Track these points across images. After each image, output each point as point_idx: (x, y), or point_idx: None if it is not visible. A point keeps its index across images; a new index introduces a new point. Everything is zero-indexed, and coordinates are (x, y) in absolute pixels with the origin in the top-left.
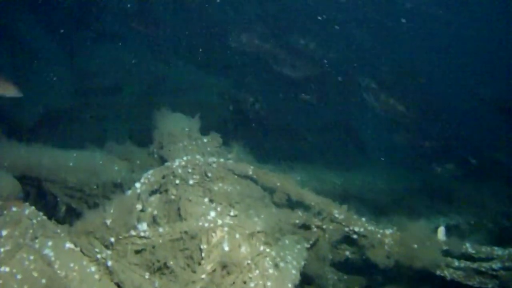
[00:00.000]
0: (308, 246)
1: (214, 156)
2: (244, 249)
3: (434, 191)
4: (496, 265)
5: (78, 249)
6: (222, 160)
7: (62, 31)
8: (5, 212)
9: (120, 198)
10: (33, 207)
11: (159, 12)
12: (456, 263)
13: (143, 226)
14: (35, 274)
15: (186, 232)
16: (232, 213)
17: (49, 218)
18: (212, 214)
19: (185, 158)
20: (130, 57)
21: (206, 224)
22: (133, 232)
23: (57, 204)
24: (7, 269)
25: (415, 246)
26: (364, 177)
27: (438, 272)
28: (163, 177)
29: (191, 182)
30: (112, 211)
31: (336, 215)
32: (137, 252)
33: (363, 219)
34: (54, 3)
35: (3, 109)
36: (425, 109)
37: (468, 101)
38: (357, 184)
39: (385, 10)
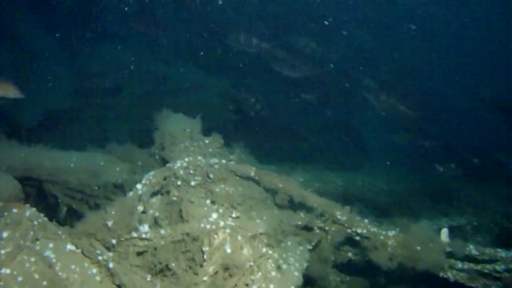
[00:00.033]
0: (311, 247)
1: (215, 157)
2: (246, 251)
3: (436, 192)
4: (499, 267)
5: (79, 251)
6: (224, 161)
7: (61, 31)
8: (5, 213)
9: (121, 200)
10: (34, 209)
11: (159, 12)
12: (459, 265)
13: (145, 227)
14: (36, 276)
15: (188, 234)
16: (234, 215)
17: (50, 219)
18: (214, 215)
19: (186, 159)
20: (131, 57)
21: (208, 226)
22: (134, 234)
23: (58, 205)
24: (8, 271)
25: (418, 247)
26: (365, 177)
27: (441, 274)
28: (165, 179)
29: (192, 183)
30: (113, 212)
31: (339, 217)
32: (139, 254)
33: (366, 220)
34: (54, 3)
35: (3, 109)
36: (426, 109)
37: (468, 101)
38: (359, 184)
39: (385, 10)
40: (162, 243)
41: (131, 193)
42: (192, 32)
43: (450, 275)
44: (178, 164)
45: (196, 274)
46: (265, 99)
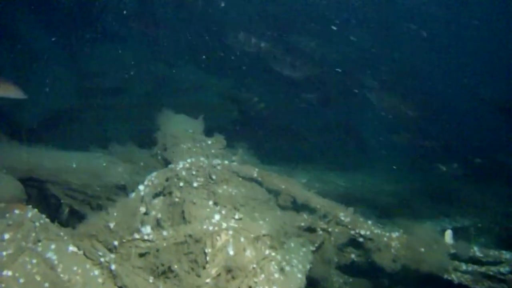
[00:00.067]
0: (314, 249)
1: (218, 158)
2: (249, 253)
3: (438, 192)
4: (504, 269)
5: (81, 252)
6: (226, 162)
7: (61, 31)
8: (7, 215)
9: (124, 201)
10: (35, 210)
11: (160, 12)
12: (463, 266)
13: (147, 229)
14: (37, 278)
15: (190, 236)
16: (236, 216)
17: (52, 220)
18: (217, 217)
19: (189, 160)
20: (131, 57)
21: (211, 228)
22: (136, 235)
23: (60, 206)
24: (10, 273)
25: (422, 249)
26: (367, 177)
27: (445, 276)
28: (167, 180)
29: (195, 184)
30: (115, 214)
31: (342, 218)
32: (141, 255)
33: (369, 222)
34: (55, 3)
35: (4, 110)
36: (426, 109)
37: (468, 101)
38: (360, 185)
39: (385, 10)
40: (165, 244)
41: (133, 194)
42: (193, 32)
43: (454, 277)
44: (181, 165)
45: (199, 276)
46: (267, 99)
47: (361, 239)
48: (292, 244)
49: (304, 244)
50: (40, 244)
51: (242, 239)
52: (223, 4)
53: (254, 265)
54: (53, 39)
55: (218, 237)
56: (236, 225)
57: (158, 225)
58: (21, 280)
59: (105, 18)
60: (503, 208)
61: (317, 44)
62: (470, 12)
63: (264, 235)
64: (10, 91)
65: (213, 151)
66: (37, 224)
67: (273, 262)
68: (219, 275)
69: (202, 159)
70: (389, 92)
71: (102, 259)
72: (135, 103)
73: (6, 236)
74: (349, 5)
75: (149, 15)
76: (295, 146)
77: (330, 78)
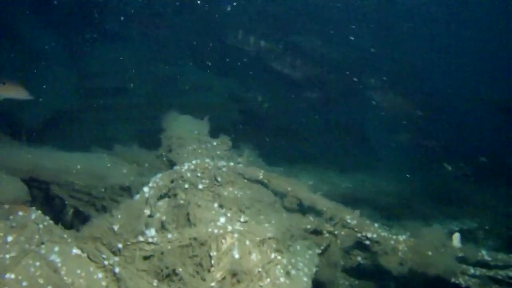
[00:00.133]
0: (320, 251)
1: (223, 160)
2: (254, 257)
3: (445, 194)
4: None
5: (85, 255)
6: (232, 164)
7: (63, 32)
8: (11, 217)
9: (128, 203)
10: (39, 212)
11: (162, 13)
12: (471, 270)
13: (151, 231)
14: (41, 281)
15: (195, 239)
16: (242, 219)
17: (56, 221)
18: (222, 220)
19: (194, 162)
20: (135, 58)
21: (216, 230)
22: (141, 238)
23: (64, 207)
24: (13, 276)
25: (430, 252)
26: (374, 179)
27: (453, 280)
28: (172, 181)
29: (200, 186)
30: (119, 216)
31: (348, 221)
32: (145, 258)
33: (376, 225)
34: (57, 4)
35: (5, 110)
36: (429, 109)
37: (469, 101)
38: (367, 186)
39: (386, 10)
40: (169, 247)
41: (138, 196)
42: (195, 32)
43: (462, 281)
44: (186, 167)
45: (204, 279)
46: (271, 98)
47: (367, 242)
48: (298, 247)
49: (310, 246)
50: (43, 246)
51: (247, 242)
52: (229, 8)
53: (260, 269)
54: (53, 39)
55: (223, 240)
56: (241, 228)
57: (162, 227)
58: (24, 283)
59: (106, 18)
60: (509, 210)
61: (317, 43)
62: (470, 12)
63: (269, 238)
64: (16, 92)
65: (218, 152)
66: (41, 226)
67: (278, 266)
68: (224, 278)
69: (207, 160)
70: (392, 91)
71: (106, 262)
72: (138, 103)
73: (9, 238)
74: (349, 5)
75: (151, 15)
76: (299, 147)
77: (330, 78)
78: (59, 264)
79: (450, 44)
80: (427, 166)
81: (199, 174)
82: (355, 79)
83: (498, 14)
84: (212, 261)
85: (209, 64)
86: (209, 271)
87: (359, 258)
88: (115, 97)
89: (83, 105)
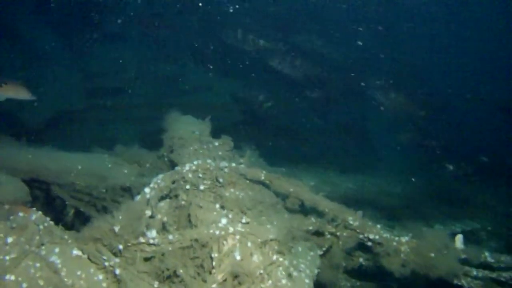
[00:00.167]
0: (321, 253)
1: (225, 160)
2: (256, 258)
3: (447, 194)
4: None
5: (85, 256)
6: (233, 164)
7: (63, 32)
8: (11, 217)
9: (129, 204)
10: (40, 212)
11: (164, 14)
12: (474, 272)
13: (152, 233)
14: (41, 282)
15: (196, 240)
16: (244, 220)
17: (57, 222)
18: (223, 221)
19: (195, 163)
20: (136, 58)
21: (217, 232)
22: (142, 239)
23: (65, 207)
24: (13, 277)
25: (432, 254)
26: (376, 180)
27: (455, 282)
28: (173, 182)
29: (201, 187)
30: (120, 217)
31: (351, 222)
32: (146, 259)
33: (378, 226)
34: (58, 4)
35: (9, 111)
36: (432, 108)
37: (469, 100)
38: (369, 187)
39: (386, 10)
40: (170, 249)
41: (139, 197)
42: (198, 33)
43: (465, 282)
44: (187, 168)
45: (205, 281)
46: (272, 98)
47: (369, 243)
48: (300, 248)
49: (311, 248)
50: (43, 247)
51: (249, 244)
52: (231, 10)
53: (261, 271)
54: (54, 39)
55: (224, 242)
56: (243, 230)
57: (163, 228)
58: (24, 285)
59: (106, 19)
60: (509, 210)
61: (317, 43)
62: (470, 11)
63: (271, 240)
64: (18, 92)
65: (220, 153)
66: (41, 227)
67: (280, 268)
68: (225, 280)
69: (209, 161)
70: (393, 91)
71: (106, 263)
72: (142, 104)
73: (10, 239)
74: (349, 5)
75: (151, 16)
76: (300, 147)
77: (331, 78)
78: (60, 265)
79: (450, 44)
80: (428, 166)
81: (200, 175)
82: (355, 79)
83: (498, 14)
84: (213, 263)
85: (210, 64)
86: (210, 272)
87: (361, 260)
88: (116, 97)
89: (84, 105)
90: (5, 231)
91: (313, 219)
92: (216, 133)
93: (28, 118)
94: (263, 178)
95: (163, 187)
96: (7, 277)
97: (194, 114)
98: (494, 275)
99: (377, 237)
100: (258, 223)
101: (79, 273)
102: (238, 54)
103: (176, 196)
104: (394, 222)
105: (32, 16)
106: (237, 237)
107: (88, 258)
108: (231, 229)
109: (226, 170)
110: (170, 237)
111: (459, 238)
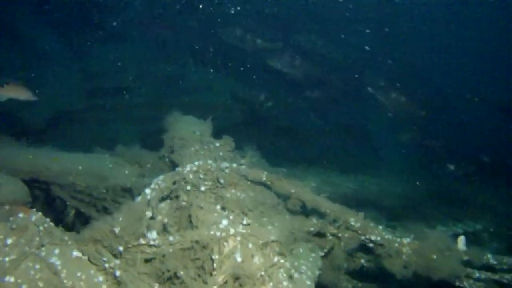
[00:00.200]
0: (323, 254)
1: (226, 161)
2: (257, 260)
3: (448, 195)
4: None
5: (85, 257)
6: (235, 165)
7: (63, 32)
8: (11, 218)
9: (129, 205)
10: (40, 213)
11: (165, 14)
12: (476, 274)
13: (153, 234)
14: (40, 284)
15: (197, 241)
16: (245, 222)
17: (58, 222)
18: (224, 222)
19: (196, 163)
20: (136, 58)
21: (218, 233)
22: (142, 241)
23: (66, 208)
24: (12, 279)
25: (434, 256)
26: (377, 180)
27: (457, 283)
28: (174, 183)
29: (202, 188)
30: (120, 218)
31: (352, 223)
32: (147, 261)
33: (380, 227)
34: (58, 4)
35: (9, 111)
36: (432, 108)
37: (469, 100)
38: (370, 188)
39: (385, 10)
40: (171, 250)
41: (139, 198)
42: (198, 33)
43: (467, 284)
44: (188, 168)
45: (205, 283)
46: (273, 98)
47: (371, 245)
48: (301, 250)
49: (313, 249)
50: (43, 249)
51: (250, 246)
52: (232, 11)
53: (262, 273)
54: (54, 39)
55: (225, 243)
56: (244, 231)
57: (164, 230)
58: (24, 286)
59: (106, 19)
60: (509, 210)
61: (317, 43)
62: (470, 11)
63: (272, 241)
64: (20, 93)
65: (221, 153)
66: (41, 228)
67: (281, 270)
68: (226, 282)
69: (210, 162)
70: (393, 91)
71: (106, 265)
72: (143, 104)
73: (9, 241)
74: (349, 5)
75: (152, 16)
76: (300, 147)
77: (331, 78)
78: (59, 267)
79: (450, 44)
80: (429, 167)
81: (201, 176)
82: (356, 79)
83: (498, 14)
84: (214, 265)
85: (210, 64)
86: (211, 274)
87: (362, 261)
88: (116, 97)
89: (84, 105)
90: (4, 232)
91: (314, 220)
92: (216, 133)
93: (28, 118)
94: (264, 179)
95: (163, 188)
96: (7, 278)
97: (195, 114)
98: (496, 277)
99: (378, 238)
100: (259, 225)
101: (79, 274)
102: (238, 54)
103: (177, 197)
104: (395, 222)
105: (32, 16)
106: (238, 238)
107: (88, 260)
108: (232, 231)
109: (227, 171)
110: (171, 238)
111: (461, 240)
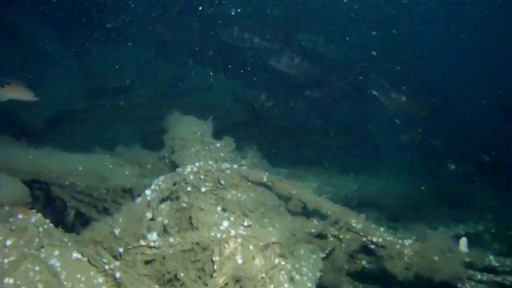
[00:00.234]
0: (324, 255)
1: (227, 162)
2: (258, 262)
3: (450, 196)
4: None
5: (85, 259)
6: (235, 166)
7: (64, 32)
8: (11, 219)
9: (130, 206)
10: (39, 214)
11: (165, 14)
12: (478, 276)
13: (153, 235)
14: (40, 286)
15: (197, 243)
16: (245, 223)
17: (58, 223)
18: (225, 223)
19: (197, 164)
20: (136, 58)
21: (219, 235)
22: (142, 242)
23: (66, 208)
24: (11, 280)
25: (436, 257)
26: (379, 180)
27: (459, 285)
28: (174, 184)
29: (203, 189)
30: (120, 220)
31: (354, 225)
32: (147, 263)
33: (382, 229)
34: (58, 4)
35: (9, 111)
36: (433, 108)
37: (469, 100)
38: (372, 188)
39: (386, 10)
40: (171, 252)
41: (139, 199)
42: (199, 33)
43: (469, 286)
44: (188, 169)
45: (206, 285)
46: (274, 98)
47: (372, 246)
48: (302, 251)
49: (314, 251)
50: (43, 250)
51: (251, 247)
52: (233, 13)
53: (263, 275)
54: (54, 39)
55: (226, 245)
56: (245, 233)
57: (164, 231)
58: None
59: (107, 18)
60: (510, 210)
61: (318, 43)
62: (470, 11)
63: (273, 243)
64: (21, 93)
65: (222, 154)
66: (41, 229)
67: (282, 271)
68: (226, 284)
69: (210, 163)
70: (394, 91)
71: (106, 266)
72: (144, 104)
73: (9, 242)
74: (349, 5)
75: (152, 16)
76: (301, 147)
77: (331, 78)
78: (59, 269)
79: (450, 44)
80: (430, 166)
81: (202, 177)
82: (356, 79)
83: (498, 14)
84: (215, 266)
85: (211, 64)
86: (211, 276)
87: (364, 262)
88: (122, 98)
89: (84, 105)
90: (4, 234)
91: (315, 222)
92: (217, 134)
93: (28, 118)
94: (265, 180)
95: (164, 189)
96: (6, 280)
97: (195, 114)
98: (498, 279)
99: (380, 240)
100: (260, 226)
101: (78, 276)
102: (239, 54)
103: (177, 198)
104: (396, 223)
105: (32, 16)
106: (239, 240)
107: (88, 261)
108: (232, 232)
109: (228, 172)
110: (171, 239)
111: (463, 241)
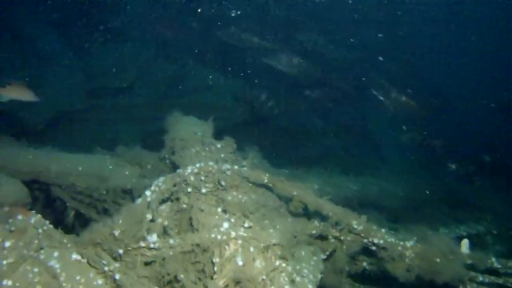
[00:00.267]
0: (325, 257)
1: (227, 163)
2: (258, 264)
3: (451, 196)
4: None
5: (85, 260)
6: (236, 167)
7: (64, 32)
8: (10, 220)
9: (129, 207)
10: (39, 215)
11: (166, 14)
12: (480, 277)
13: (153, 237)
14: (39, 287)
15: (198, 244)
16: (246, 225)
17: (57, 223)
18: (225, 225)
19: (197, 165)
20: (137, 58)
21: (219, 236)
22: (142, 243)
23: (66, 209)
24: (10, 282)
25: (438, 259)
26: (380, 181)
27: (461, 287)
28: (175, 185)
29: (203, 190)
30: (120, 221)
31: (355, 226)
32: (147, 264)
33: (383, 230)
34: (58, 3)
35: (9, 111)
36: (433, 108)
37: (470, 100)
38: (373, 189)
39: (386, 10)
40: (171, 253)
41: (139, 200)
42: (199, 33)
43: None
44: (189, 170)
45: (206, 287)
46: (274, 98)
47: (374, 248)
48: (303, 253)
49: (315, 252)
50: (42, 251)
51: (251, 249)
52: (233, 14)
53: (264, 277)
54: (54, 39)
55: (226, 246)
56: (245, 234)
57: (164, 232)
58: None
59: (107, 18)
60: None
61: (318, 43)
62: (471, 11)
63: (274, 245)
64: (22, 93)
65: (222, 155)
66: (40, 230)
67: (283, 273)
68: (227, 286)
69: (211, 164)
70: (395, 91)
71: (106, 268)
72: (144, 104)
73: (7, 243)
74: (350, 5)
75: (153, 16)
76: (302, 148)
77: (331, 77)
78: (58, 270)
79: (450, 44)
80: (430, 167)
81: (202, 178)
82: (356, 79)
83: (498, 14)
84: (215, 268)
85: (212, 64)
86: (211, 278)
87: (365, 264)
88: (123, 98)
89: (84, 105)
90: (3, 235)
91: (316, 223)
92: (217, 134)
93: (28, 118)
94: (266, 181)
95: (164, 190)
96: (5, 282)
97: (195, 114)
98: (500, 280)
99: (381, 241)
100: (261, 227)
101: (78, 277)
102: (239, 54)
103: (178, 199)
104: (397, 224)
105: (32, 16)
106: (239, 241)
107: (88, 263)
108: (233, 234)
109: (228, 172)
110: (171, 241)
111: (465, 243)
